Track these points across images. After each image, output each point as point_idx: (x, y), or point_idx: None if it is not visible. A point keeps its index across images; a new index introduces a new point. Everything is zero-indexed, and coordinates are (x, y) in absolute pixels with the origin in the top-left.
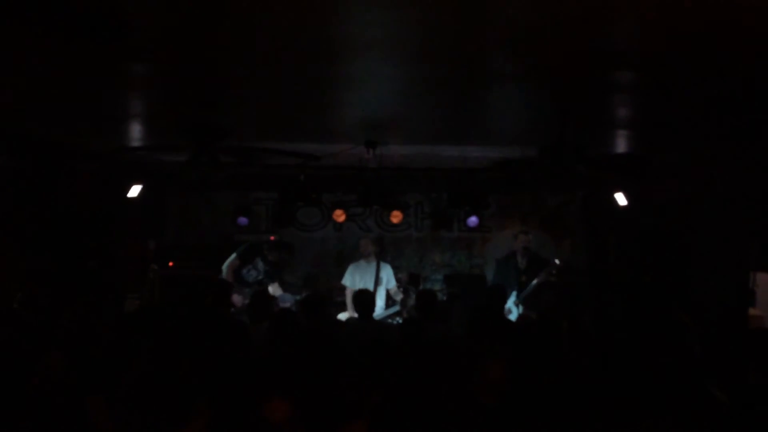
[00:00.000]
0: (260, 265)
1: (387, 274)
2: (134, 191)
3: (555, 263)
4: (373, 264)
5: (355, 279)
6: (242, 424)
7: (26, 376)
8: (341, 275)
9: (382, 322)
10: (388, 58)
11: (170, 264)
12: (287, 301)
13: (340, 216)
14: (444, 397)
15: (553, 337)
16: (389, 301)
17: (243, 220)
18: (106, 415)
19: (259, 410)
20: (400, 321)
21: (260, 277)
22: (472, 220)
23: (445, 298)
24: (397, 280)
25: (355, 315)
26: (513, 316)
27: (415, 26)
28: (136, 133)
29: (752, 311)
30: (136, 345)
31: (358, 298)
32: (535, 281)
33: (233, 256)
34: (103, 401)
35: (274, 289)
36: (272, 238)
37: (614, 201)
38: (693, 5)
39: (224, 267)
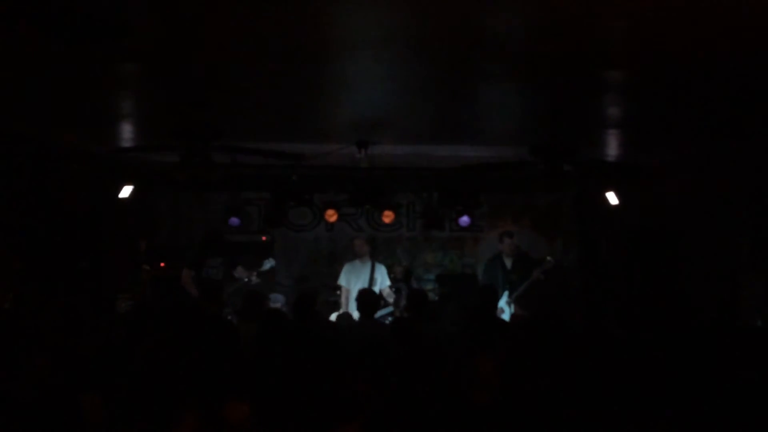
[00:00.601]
0: (213, 261)
1: (381, 274)
2: (126, 192)
3: (549, 260)
4: (368, 264)
5: (350, 279)
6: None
7: (15, 378)
8: (333, 275)
9: (378, 322)
10: (379, 59)
11: (161, 264)
12: (278, 301)
13: (331, 216)
14: (436, 396)
15: (545, 336)
16: (382, 301)
17: (234, 221)
18: (101, 414)
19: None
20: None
21: (221, 271)
22: (464, 220)
23: (437, 297)
24: (392, 275)
25: (349, 313)
26: (506, 316)
27: (407, 27)
28: (127, 133)
29: None
30: (129, 345)
31: (360, 298)
32: (527, 281)
33: (184, 269)
34: (98, 399)
35: (239, 273)
36: (264, 238)
37: (605, 200)
38: (682, 5)
39: (182, 280)
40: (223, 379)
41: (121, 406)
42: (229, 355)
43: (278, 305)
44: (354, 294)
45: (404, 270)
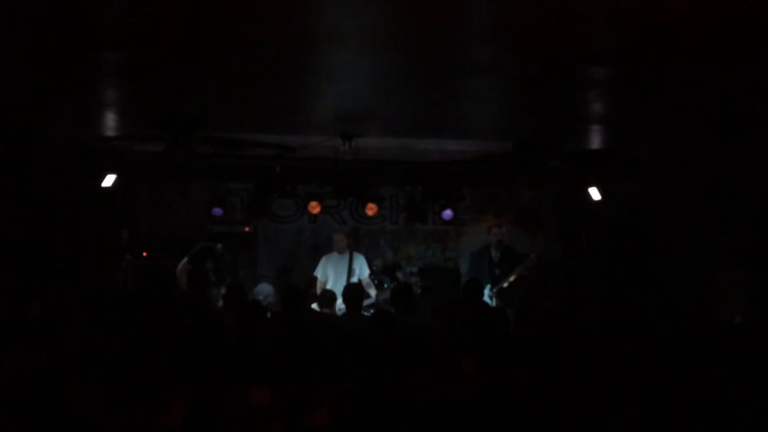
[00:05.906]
0: (210, 265)
1: (360, 264)
2: (108, 181)
3: (532, 257)
4: (346, 256)
5: (327, 271)
6: (219, 411)
7: None
8: (315, 267)
9: (362, 315)
10: (364, 50)
11: (144, 254)
12: (265, 292)
13: (315, 208)
14: (416, 389)
15: (527, 332)
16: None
17: (217, 211)
18: (87, 403)
19: (241, 395)
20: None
21: (213, 279)
22: (447, 214)
23: (419, 291)
24: (372, 269)
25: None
26: None
27: (392, 19)
28: (110, 122)
29: None
30: (112, 333)
31: (346, 292)
32: (511, 277)
33: (184, 260)
34: (85, 388)
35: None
36: (247, 229)
37: (587, 195)
38: (665, 3)
39: (178, 271)
40: (207, 367)
41: (107, 395)
42: (214, 344)
43: (262, 297)
44: (330, 286)
45: (391, 264)
